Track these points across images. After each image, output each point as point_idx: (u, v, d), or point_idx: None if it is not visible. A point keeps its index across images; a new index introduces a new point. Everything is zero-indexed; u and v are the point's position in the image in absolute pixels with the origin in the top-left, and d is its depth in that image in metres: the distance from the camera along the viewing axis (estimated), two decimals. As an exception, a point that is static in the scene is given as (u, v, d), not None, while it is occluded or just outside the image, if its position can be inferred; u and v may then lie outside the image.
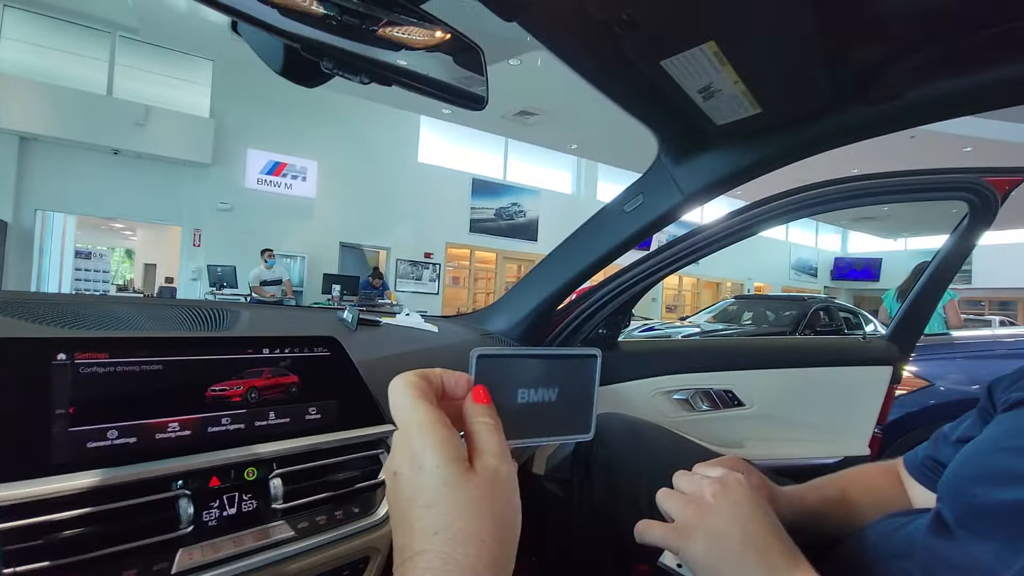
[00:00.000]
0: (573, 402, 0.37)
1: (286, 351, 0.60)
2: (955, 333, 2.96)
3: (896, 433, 1.63)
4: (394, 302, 7.90)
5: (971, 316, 11.60)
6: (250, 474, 0.52)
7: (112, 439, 0.45)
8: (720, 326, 6.58)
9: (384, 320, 0.99)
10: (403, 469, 0.30)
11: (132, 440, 0.46)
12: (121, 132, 7.40)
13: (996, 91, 0.60)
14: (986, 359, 2.10)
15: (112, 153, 7.57)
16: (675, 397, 1.33)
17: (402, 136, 10.07)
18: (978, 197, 1.17)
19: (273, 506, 0.53)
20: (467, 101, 0.54)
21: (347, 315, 0.86)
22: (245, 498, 0.51)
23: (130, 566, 0.43)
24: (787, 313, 6.39)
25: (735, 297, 7.91)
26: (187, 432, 0.49)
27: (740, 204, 1.25)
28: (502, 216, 11.27)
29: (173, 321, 0.69)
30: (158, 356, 0.50)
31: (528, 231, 11.47)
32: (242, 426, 0.54)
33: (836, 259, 19.20)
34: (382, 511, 0.60)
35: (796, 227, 17.68)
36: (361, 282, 7.93)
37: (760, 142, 0.77)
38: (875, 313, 7.03)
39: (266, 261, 6.79)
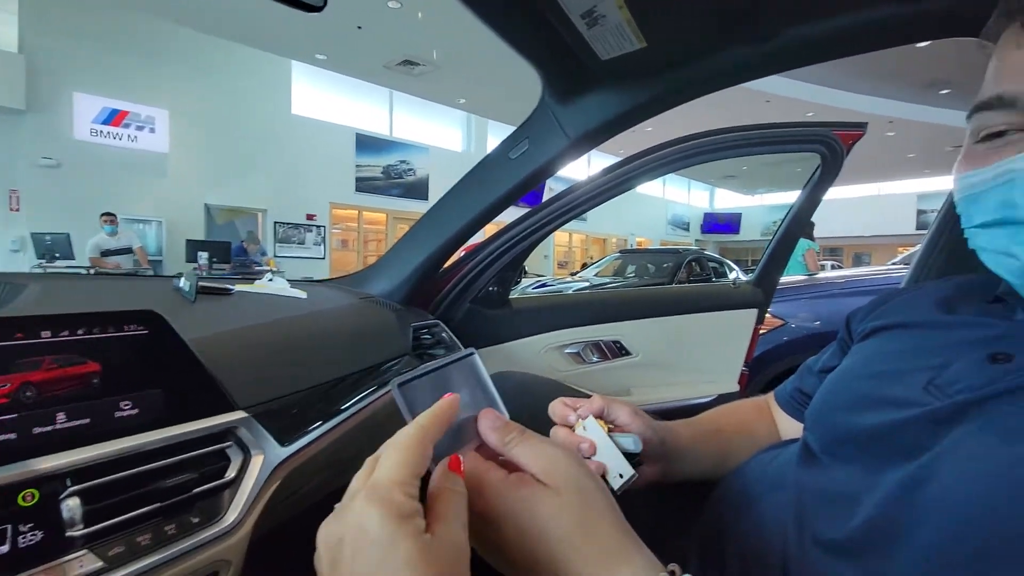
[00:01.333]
0: (479, 400, 0.38)
1: (79, 333, 0.46)
2: (796, 276, 3.37)
3: (759, 369, 1.81)
4: (274, 269, 7.26)
5: (809, 261, 13.54)
6: (27, 498, 0.39)
7: None
8: (608, 279, 6.96)
9: (239, 288, 0.85)
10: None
11: None
12: None
13: (866, 33, 0.62)
14: (824, 298, 2.41)
15: None
16: (567, 351, 1.34)
17: (271, 84, 9.03)
18: (828, 149, 1.27)
19: (69, 534, 0.40)
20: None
21: (184, 283, 0.70)
22: (23, 530, 0.39)
23: None
24: (665, 265, 6.92)
25: (620, 251, 8.38)
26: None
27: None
28: (390, 175, 10.73)
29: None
30: None
31: (419, 190, 11.07)
32: (11, 436, 0.40)
33: (705, 214, 21.17)
34: (232, 516, 0.50)
35: (671, 185, 19.11)
36: (234, 248, 7.15)
37: (645, 82, 0.74)
38: (738, 263, 7.89)
39: (103, 227, 5.81)
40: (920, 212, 16.23)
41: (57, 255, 5.93)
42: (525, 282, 6.83)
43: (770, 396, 0.71)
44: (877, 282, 2.48)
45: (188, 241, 6.91)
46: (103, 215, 5.86)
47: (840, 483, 0.44)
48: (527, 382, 0.86)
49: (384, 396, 0.78)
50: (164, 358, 0.51)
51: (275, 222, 9.26)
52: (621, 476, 0.50)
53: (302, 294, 0.89)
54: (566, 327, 1.32)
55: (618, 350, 1.37)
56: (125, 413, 0.46)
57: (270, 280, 0.95)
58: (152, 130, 7.80)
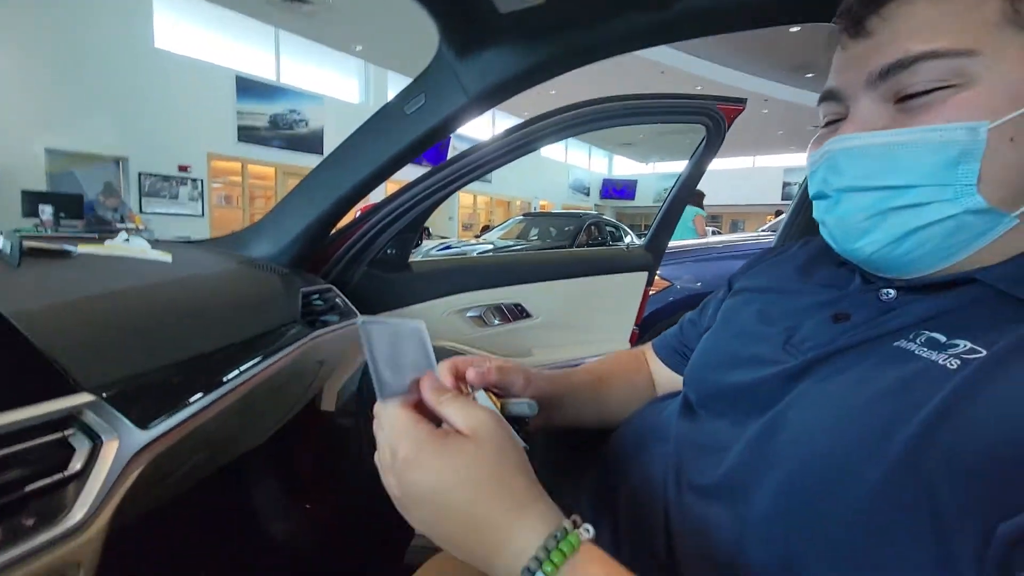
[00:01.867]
0: (421, 364, 0.41)
1: None
2: (685, 241, 3.64)
3: (648, 327, 1.95)
4: (140, 227, 6.38)
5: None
6: None
7: None
8: (511, 242, 7.04)
9: (83, 249, 0.72)
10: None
11: None
12: None
13: (750, 11, 0.65)
14: (705, 261, 2.63)
15: None
16: (468, 315, 1.33)
17: (126, 10, 7.68)
18: (712, 121, 1.36)
19: None
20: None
21: (3, 244, 0.58)
22: None
23: None
24: (567, 229, 7.14)
25: (523, 215, 8.49)
26: None
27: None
28: (279, 124, 9.74)
29: None
30: None
31: (312, 143, 10.20)
32: None
33: (604, 180, 22.02)
34: (80, 512, 0.43)
35: (573, 149, 19.55)
36: (87, 202, 6.17)
37: (545, 41, 0.72)
38: (632, 227, 8.35)
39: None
40: (785, 184, 18.23)
41: None
42: (429, 244, 6.71)
43: (648, 347, 0.76)
44: (750, 247, 2.76)
45: (25, 192, 5.82)
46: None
47: (712, 435, 0.48)
48: None
49: (271, 366, 0.72)
50: (-26, 336, 0.42)
51: (140, 173, 8.09)
52: None
53: (166, 257, 0.79)
54: (467, 290, 1.32)
55: (519, 312, 1.40)
56: (-81, 404, 0.37)
57: (126, 240, 0.83)
58: (-35, 54, 6.36)
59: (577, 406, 0.65)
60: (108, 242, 0.79)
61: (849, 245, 0.44)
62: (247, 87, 9.17)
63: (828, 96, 0.45)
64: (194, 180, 8.73)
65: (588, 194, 20.90)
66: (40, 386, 0.44)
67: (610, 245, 7.02)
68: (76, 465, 0.45)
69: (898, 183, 0.39)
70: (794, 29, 7.82)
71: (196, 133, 8.61)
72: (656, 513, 0.48)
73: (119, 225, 6.19)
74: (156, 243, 0.86)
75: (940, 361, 0.35)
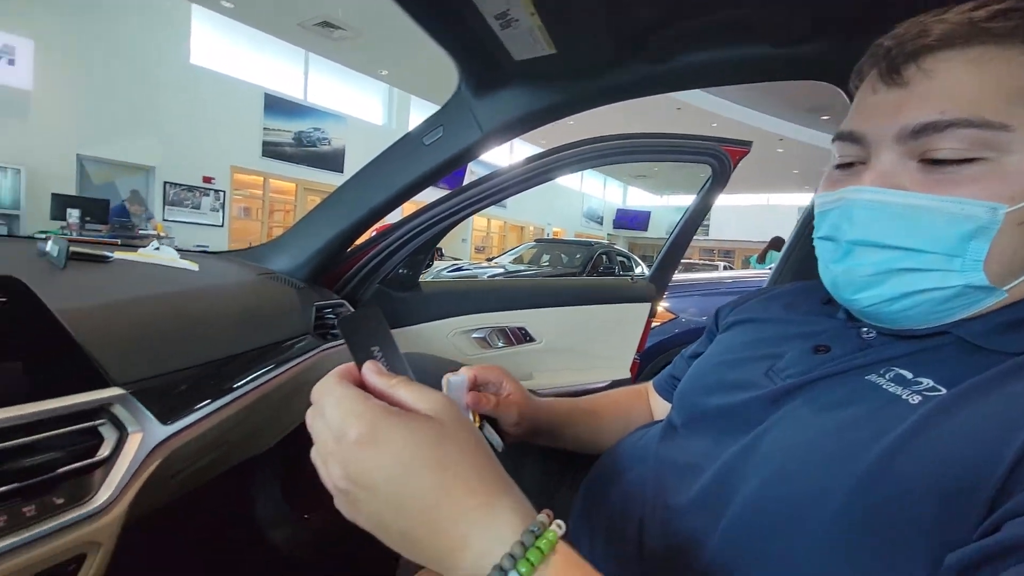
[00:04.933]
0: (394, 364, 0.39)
1: (-82, 298, 0.41)
2: (691, 275, 3.66)
3: (650, 358, 1.97)
4: (162, 234, 6.56)
5: (705, 262, 14.70)
6: None
7: None
8: (522, 267, 7.10)
9: (119, 255, 0.78)
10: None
11: None
12: None
13: (747, 68, 0.70)
14: (714, 295, 2.65)
15: None
16: (473, 336, 1.37)
17: (166, 26, 8.04)
18: (718, 162, 1.41)
19: (-98, 518, 0.37)
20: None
21: (51, 247, 0.64)
22: None
23: None
24: (578, 256, 7.20)
25: (535, 240, 8.58)
26: None
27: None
28: (303, 141, 10.03)
29: None
30: None
31: (334, 161, 10.47)
32: None
33: (618, 210, 22.18)
34: (104, 496, 0.47)
35: (589, 179, 19.77)
36: (114, 207, 6.37)
37: (556, 86, 0.78)
38: (644, 259, 8.38)
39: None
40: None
41: None
42: (440, 265, 6.79)
43: (649, 384, 0.79)
44: (757, 283, 2.78)
45: (55, 196, 6.03)
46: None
47: (690, 454, 0.51)
48: (428, 363, 0.89)
49: (281, 375, 0.77)
50: (25, 329, 0.47)
51: (165, 182, 8.34)
52: None
53: (193, 266, 0.84)
54: (474, 312, 1.36)
55: (523, 336, 1.43)
56: (-24, 387, 0.42)
57: (156, 249, 0.89)
58: (11, 61, 6.67)
59: (575, 434, 0.69)
60: (141, 250, 0.85)
61: (848, 295, 0.45)
62: (274, 104, 9.48)
63: (848, 137, 0.44)
64: (216, 191, 8.97)
65: (601, 223, 21.03)
66: (78, 378, 0.49)
67: (620, 275, 7.05)
68: (104, 452, 0.49)
69: (911, 246, 0.39)
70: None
71: (222, 146, 8.88)
72: (630, 531, 0.50)
73: (141, 231, 6.36)
74: (183, 253, 0.92)
75: (904, 396, 0.38)
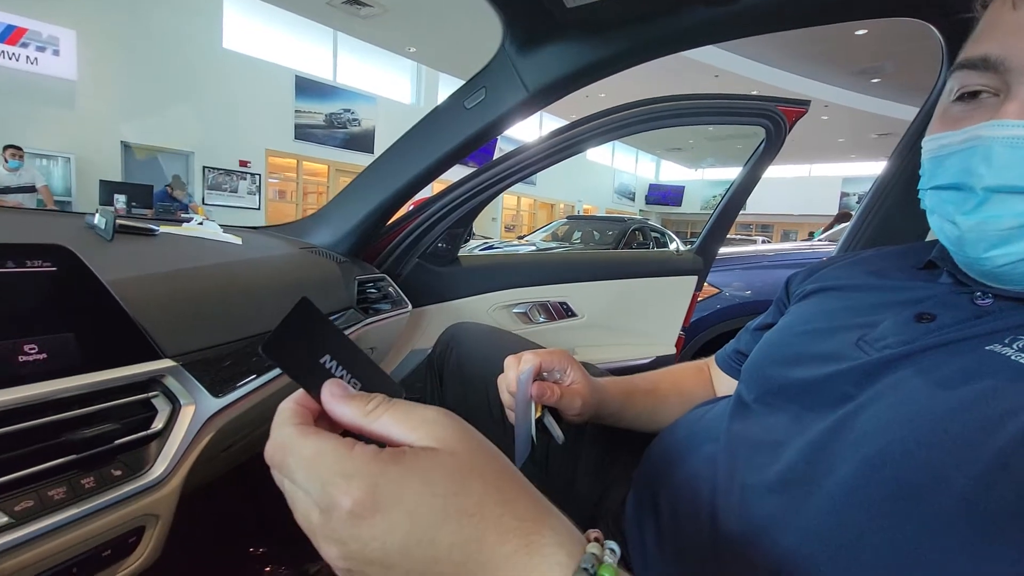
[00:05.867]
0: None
1: (-30, 266, 0.40)
2: (732, 249, 3.53)
3: (694, 334, 1.91)
4: (202, 217, 6.75)
5: (743, 236, 14.26)
6: (-89, 450, 0.35)
7: None
8: (554, 244, 7.03)
9: (164, 229, 0.78)
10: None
11: None
12: None
13: (830, 4, 0.62)
14: (755, 269, 2.54)
15: None
16: (514, 311, 1.34)
17: (198, 12, 8.15)
18: (773, 124, 1.31)
19: (-33, 488, 0.36)
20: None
21: (98, 220, 0.63)
22: (-92, 484, 0.34)
23: None
24: (610, 233, 7.07)
25: (567, 217, 8.46)
26: None
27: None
28: (333, 123, 10.11)
29: None
30: None
31: (364, 142, 10.53)
32: None
33: (650, 185, 21.66)
34: (160, 468, 0.47)
35: (620, 153, 19.32)
36: (157, 192, 6.57)
37: (608, 37, 0.72)
38: (678, 235, 8.18)
39: (7, 161, 5.15)
40: (843, 195, 17.38)
41: (-56, 190, 5.22)
42: (472, 244, 6.78)
43: (711, 359, 0.75)
44: (803, 256, 2.65)
45: (102, 182, 6.27)
46: (6, 147, 5.17)
47: (769, 431, 0.47)
48: (485, 331, 0.86)
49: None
50: (77, 299, 0.46)
51: (204, 167, 8.56)
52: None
53: (237, 240, 0.83)
54: (514, 287, 1.33)
55: (564, 311, 1.39)
56: (31, 358, 0.41)
57: (200, 224, 0.88)
58: (56, 52, 6.90)
59: (635, 415, 0.66)
60: (185, 224, 0.85)
61: (978, 253, 0.39)
62: (305, 86, 9.56)
63: (979, 64, 0.38)
64: (253, 175, 9.16)
65: (633, 199, 20.60)
66: (129, 350, 0.48)
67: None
68: (158, 424, 0.49)
69: None
70: (860, 32, 7.46)
71: (256, 130, 9.03)
72: (702, 513, 0.46)
73: (183, 216, 6.56)
74: (226, 228, 0.91)
75: None
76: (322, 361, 0.28)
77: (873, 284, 0.52)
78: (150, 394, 0.49)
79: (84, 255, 0.47)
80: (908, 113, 9.98)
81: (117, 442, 0.45)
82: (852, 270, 0.57)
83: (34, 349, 0.42)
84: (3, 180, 5.16)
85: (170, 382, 0.50)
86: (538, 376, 0.56)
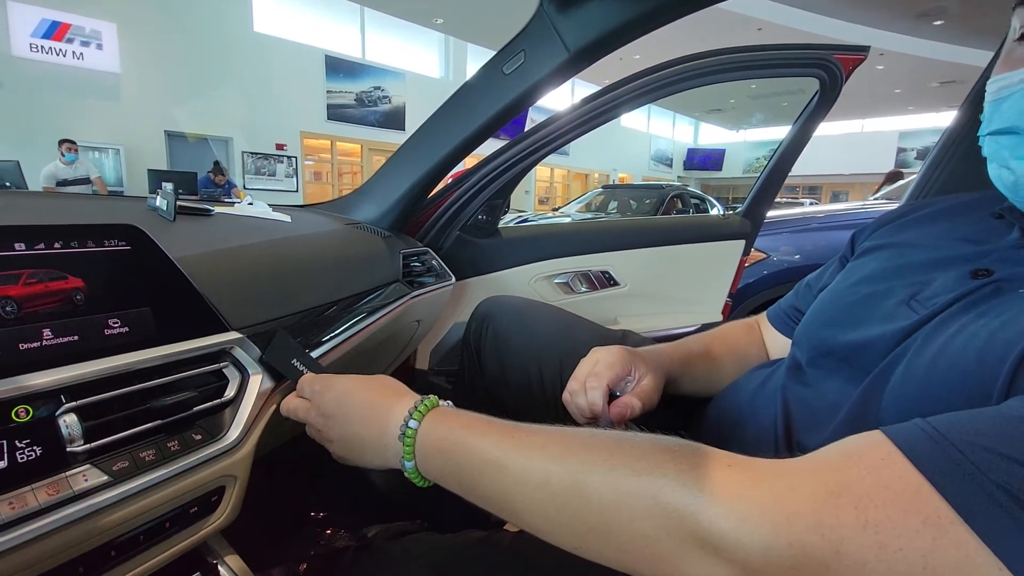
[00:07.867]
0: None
1: (56, 246, 0.43)
2: (779, 212, 3.38)
3: (741, 300, 1.85)
4: (251, 199, 6.95)
5: (788, 199, 13.61)
6: (21, 415, 0.38)
7: None
8: (589, 215, 6.91)
9: (218, 210, 0.81)
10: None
11: None
12: None
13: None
14: (805, 232, 2.43)
15: None
16: (556, 281, 1.34)
17: (229, -3, 8.23)
18: (828, 74, 1.23)
19: (70, 449, 0.40)
20: None
21: (160, 202, 0.66)
22: (20, 445, 0.38)
23: None
24: (647, 201, 6.88)
25: (602, 187, 8.27)
26: None
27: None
28: (364, 101, 10.14)
29: None
30: None
31: (395, 119, 10.53)
32: (-4, 353, 0.38)
33: (689, 150, 20.86)
34: (235, 433, 0.49)
35: (656, 118, 18.63)
36: (200, 179, 6.81)
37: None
38: (719, 200, 7.88)
39: (64, 155, 5.42)
40: (900, 150, 16.25)
41: (7, 184, 5.56)
42: (507, 218, 6.75)
43: (761, 316, 0.73)
44: (855, 216, 2.51)
45: (150, 171, 6.55)
46: (62, 142, 5.45)
47: (823, 394, 0.46)
48: (521, 305, 0.86)
49: (377, 321, 0.77)
50: (151, 276, 0.48)
51: (243, 152, 8.78)
52: None
53: (286, 217, 0.86)
54: (555, 257, 1.32)
55: (606, 280, 1.38)
56: (115, 331, 0.44)
57: (250, 204, 0.91)
58: (99, 46, 7.15)
59: (692, 381, 0.65)
60: (237, 204, 0.87)
61: None
62: (335, 65, 9.58)
63: None
64: (289, 157, 9.35)
65: (671, 165, 19.94)
66: (200, 323, 0.50)
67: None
68: (230, 393, 0.51)
69: None
70: (920, -30, 6.85)
71: (290, 112, 9.16)
72: None
73: (227, 200, 6.77)
74: (274, 207, 0.94)
75: None
76: (294, 362, 0.55)
77: (931, 242, 0.49)
78: (221, 364, 0.52)
79: (152, 234, 0.49)
80: (977, 58, 9.14)
81: (195, 409, 0.48)
82: (918, 225, 0.54)
83: (117, 323, 0.44)
84: (61, 173, 5.44)
85: (238, 353, 0.53)
86: (610, 394, 0.57)
